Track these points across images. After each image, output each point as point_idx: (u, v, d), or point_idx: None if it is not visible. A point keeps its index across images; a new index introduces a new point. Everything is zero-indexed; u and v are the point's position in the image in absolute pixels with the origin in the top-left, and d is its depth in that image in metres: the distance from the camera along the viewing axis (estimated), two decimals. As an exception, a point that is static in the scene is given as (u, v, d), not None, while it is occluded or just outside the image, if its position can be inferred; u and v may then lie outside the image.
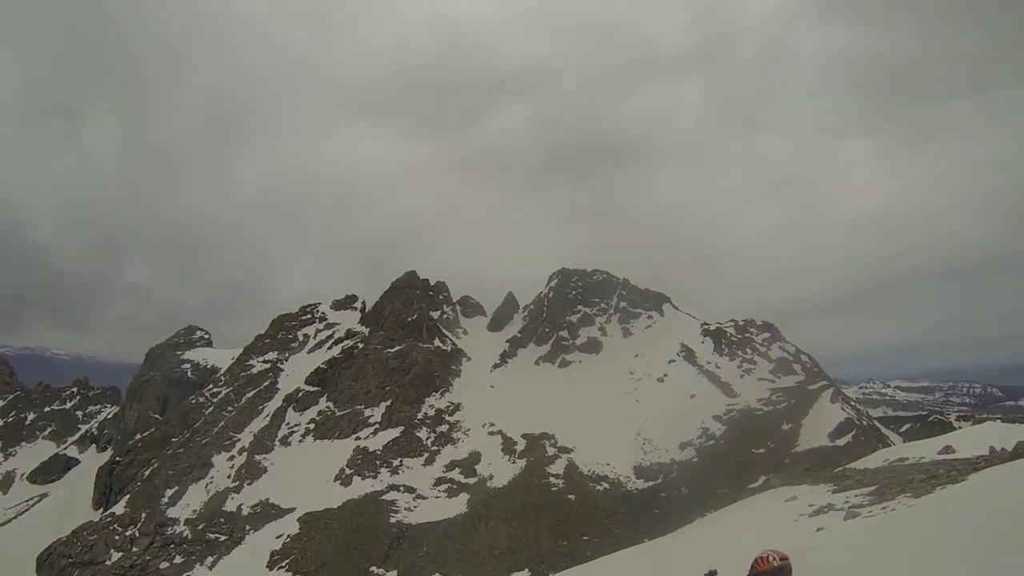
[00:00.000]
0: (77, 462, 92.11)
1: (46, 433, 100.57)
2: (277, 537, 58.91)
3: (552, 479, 66.40)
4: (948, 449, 23.98)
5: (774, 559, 6.04)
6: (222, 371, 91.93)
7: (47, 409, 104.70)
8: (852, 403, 73.62)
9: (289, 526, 60.07)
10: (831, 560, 10.94)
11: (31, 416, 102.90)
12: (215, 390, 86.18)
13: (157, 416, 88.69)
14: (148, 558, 59.72)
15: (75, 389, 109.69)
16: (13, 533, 76.72)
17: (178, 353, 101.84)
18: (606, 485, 65.59)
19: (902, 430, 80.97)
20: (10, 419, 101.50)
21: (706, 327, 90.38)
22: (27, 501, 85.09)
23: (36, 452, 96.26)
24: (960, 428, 63.35)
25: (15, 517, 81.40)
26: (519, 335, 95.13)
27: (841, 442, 58.69)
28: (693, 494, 59.05)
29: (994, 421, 44.58)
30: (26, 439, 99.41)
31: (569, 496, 63.68)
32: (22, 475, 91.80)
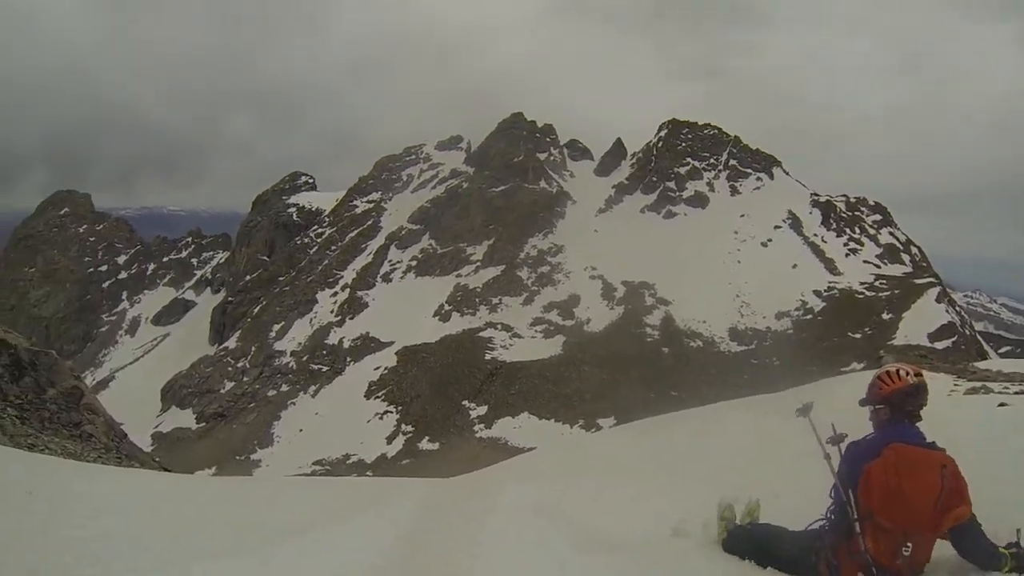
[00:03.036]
0: (194, 304, 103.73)
1: (165, 280, 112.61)
2: (375, 369, 65.98)
3: (648, 329, 69.13)
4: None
5: (907, 374, 4.71)
6: (326, 213, 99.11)
7: (165, 259, 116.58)
8: (958, 308, 69.83)
9: (387, 359, 66.87)
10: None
11: (151, 267, 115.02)
12: (319, 231, 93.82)
13: (265, 258, 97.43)
14: (257, 386, 68.42)
15: (189, 239, 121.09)
16: (141, 370, 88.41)
17: (283, 198, 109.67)
18: (700, 343, 67.47)
19: (1001, 351, 75.72)
20: (133, 271, 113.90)
21: (815, 198, 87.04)
22: (152, 341, 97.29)
23: (158, 298, 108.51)
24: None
25: (142, 356, 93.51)
26: (626, 182, 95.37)
27: (940, 345, 56.02)
28: (784, 366, 59.39)
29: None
30: (148, 287, 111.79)
31: (663, 349, 66.33)
32: (146, 319, 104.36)
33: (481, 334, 69.43)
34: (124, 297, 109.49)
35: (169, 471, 13.89)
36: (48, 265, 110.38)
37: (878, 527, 4.29)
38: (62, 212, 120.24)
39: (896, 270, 73.99)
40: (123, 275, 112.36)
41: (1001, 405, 10.38)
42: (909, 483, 4.23)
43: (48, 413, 12.24)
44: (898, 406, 4.61)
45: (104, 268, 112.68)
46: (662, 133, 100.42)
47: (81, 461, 10.08)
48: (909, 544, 4.21)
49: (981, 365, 24.12)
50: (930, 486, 4.19)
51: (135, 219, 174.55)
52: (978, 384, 14.00)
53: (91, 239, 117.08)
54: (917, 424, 4.61)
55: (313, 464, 53.46)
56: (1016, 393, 11.96)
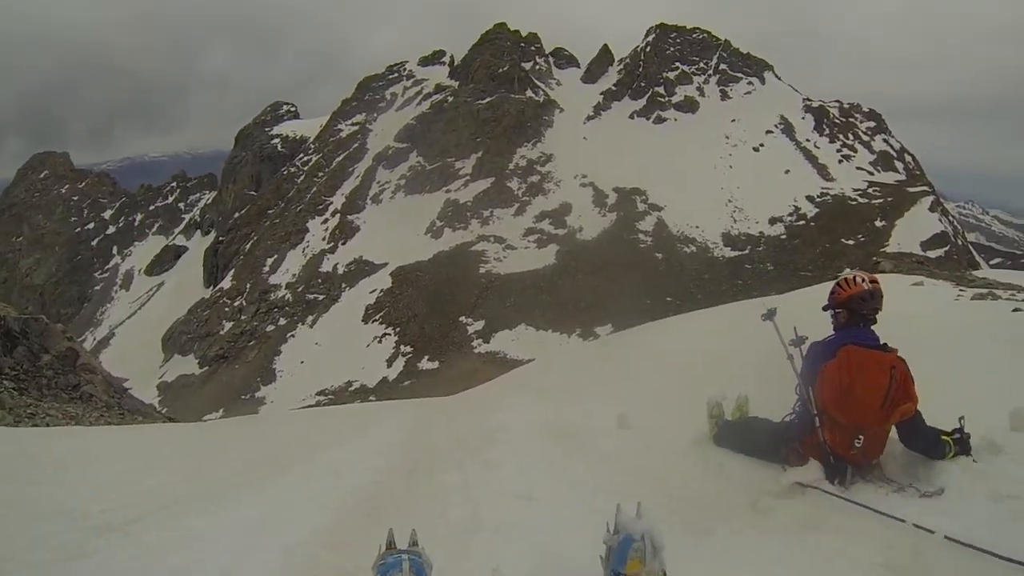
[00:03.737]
0: (186, 249, 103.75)
1: (154, 229, 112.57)
2: (371, 292, 65.94)
3: (641, 235, 69.02)
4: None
5: (863, 280, 5.06)
6: (311, 140, 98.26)
7: (151, 207, 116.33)
8: (951, 218, 69.51)
9: (382, 281, 66.78)
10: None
11: (139, 217, 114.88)
12: (305, 159, 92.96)
13: (252, 193, 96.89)
14: (256, 323, 68.46)
15: (174, 184, 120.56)
16: (139, 322, 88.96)
17: (266, 130, 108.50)
18: (693, 248, 67.73)
19: (992, 262, 75.87)
20: (121, 224, 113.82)
21: (808, 103, 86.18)
22: (147, 292, 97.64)
23: (149, 247, 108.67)
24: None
25: (139, 308, 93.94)
26: (614, 88, 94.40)
27: (932, 254, 56.10)
28: (778, 271, 60.54)
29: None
30: (138, 238, 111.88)
31: (656, 255, 66.31)
32: (139, 270, 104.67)
33: (474, 248, 69.03)
34: (115, 252, 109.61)
35: (173, 420, 14.11)
36: (34, 231, 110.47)
37: (834, 421, 4.72)
38: (42, 175, 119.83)
39: (889, 178, 74.32)
40: (111, 230, 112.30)
41: (1016, 311, 10.62)
42: (860, 381, 4.61)
43: (45, 379, 12.61)
44: (855, 310, 5.01)
45: (91, 226, 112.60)
46: (650, 38, 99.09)
47: (83, 424, 10.53)
48: (861, 436, 4.61)
49: (978, 274, 23.81)
50: (879, 384, 4.56)
51: (117, 171, 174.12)
52: (983, 291, 14.10)
53: (74, 198, 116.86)
54: (872, 326, 4.97)
55: (316, 395, 53.83)
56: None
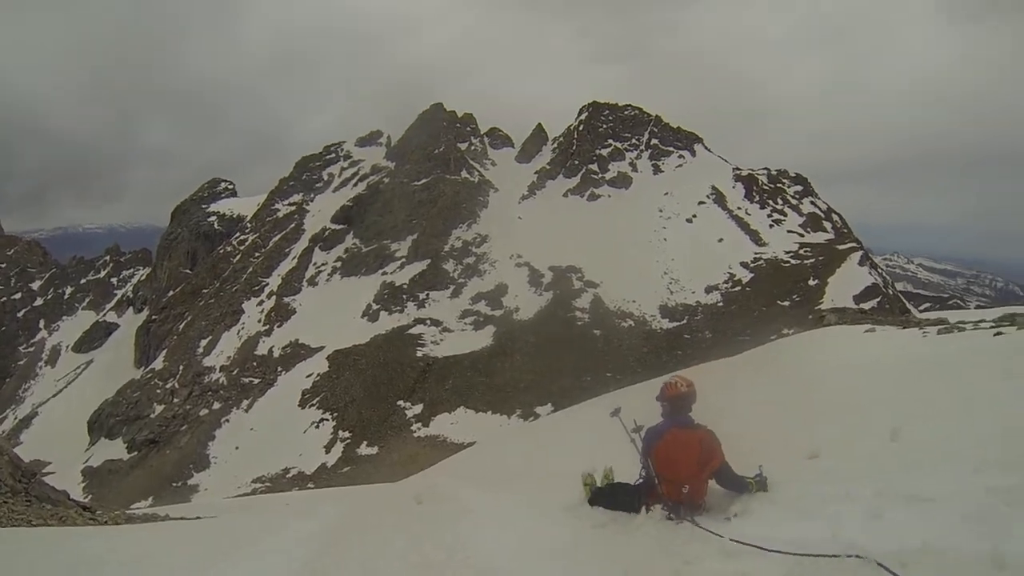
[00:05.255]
0: (117, 326, 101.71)
1: (84, 304, 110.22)
2: (307, 376, 65.79)
3: (578, 313, 70.46)
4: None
5: (682, 385, 6.99)
6: (248, 219, 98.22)
7: (83, 281, 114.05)
8: (879, 270, 73.62)
9: (319, 365, 66.78)
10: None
11: (68, 290, 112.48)
12: (242, 237, 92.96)
13: (187, 271, 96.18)
14: (188, 407, 67.59)
15: (107, 257, 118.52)
16: (64, 402, 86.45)
17: (203, 207, 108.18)
18: (631, 322, 69.24)
19: (921, 307, 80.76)
20: (49, 297, 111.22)
21: (738, 172, 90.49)
22: (75, 370, 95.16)
23: (78, 323, 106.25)
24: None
25: (65, 387, 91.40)
26: (548, 167, 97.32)
27: (866, 305, 58.91)
28: (716, 338, 61.80)
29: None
30: (67, 312, 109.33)
31: (595, 331, 67.65)
32: (67, 347, 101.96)
33: (411, 331, 69.76)
34: (41, 325, 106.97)
35: (89, 509, 13.64)
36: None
37: (665, 479, 6.68)
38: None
39: (819, 238, 77.25)
40: (39, 301, 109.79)
41: (997, 334, 12.44)
42: (680, 453, 6.64)
43: None
44: (676, 404, 6.95)
45: (18, 296, 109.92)
46: (583, 116, 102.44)
47: None
48: (687, 486, 6.51)
49: (920, 317, 25.65)
50: (693, 453, 6.59)
51: (49, 241, 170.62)
52: (943, 326, 15.71)
53: (2, 265, 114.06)
54: (688, 414, 6.94)
55: (253, 482, 52.94)
56: (990, 328, 13.99)
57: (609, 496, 7.44)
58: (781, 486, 6.62)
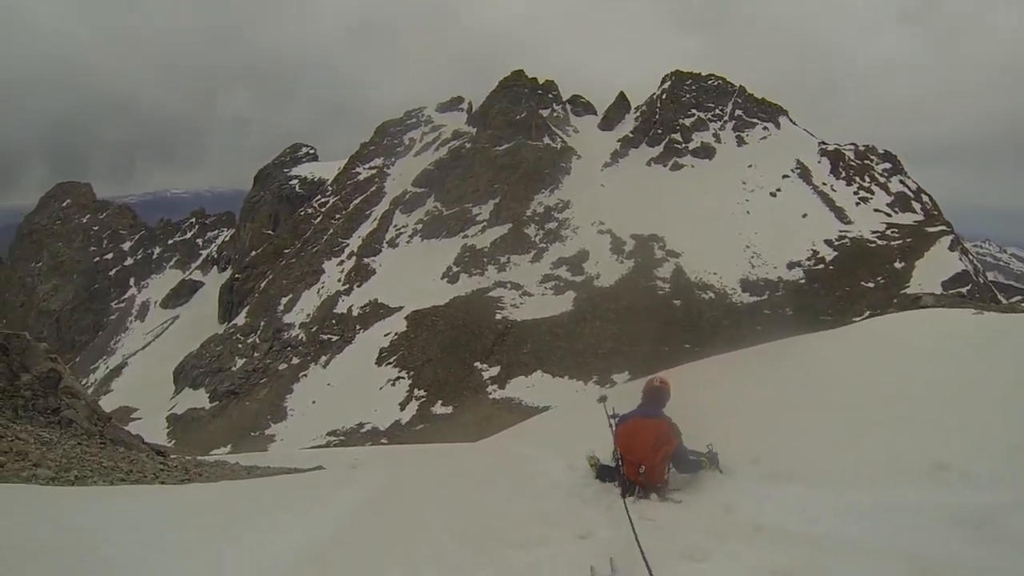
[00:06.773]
0: (202, 284, 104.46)
1: (172, 263, 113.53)
2: (385, 335, 65.84)
3: (659, 282, 69.14)
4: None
5: (657, 382, 7.96)
6: (329, 182, 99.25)
7: (170, 242, 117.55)
8: (970, 256, 69.20)
9: (397, 324, 66.75)
10: None
11: (157, 250, 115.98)
12: (323, 200, 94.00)
13: (270, 232, 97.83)
14: (268, 361, 68.76)
15: (193, 219, 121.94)
16: (152, 354, 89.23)
17: (285, 171, 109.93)
18: (712, 295, 67.53)
19: (1012, 300, 75.53)
20: (139, 257, 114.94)
21: (824, 147, 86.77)
22: (162, 324, 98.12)
23: (165, 281, 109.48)
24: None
25: (153, 340, 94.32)
26: (631, 135, 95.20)
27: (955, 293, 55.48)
28: (797, 316, 59.46)
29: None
30: (155, 271, 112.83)
31: (674, 301, 66.29)
32: (155, 303, 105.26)
33: (490, 294, 69.44)
34: (132, 283, 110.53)
35: (161, 453, 13.44)
36: (54, 258, 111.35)
37: (625, 459, 7.31)
38: (64, 204, 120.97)
39: (907, 219, 73.84)
40: (129, 261, 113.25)
41: None
42: (639, 436, 7.27)
43: (22, 400, 11.97)
44: (650, 397, 7.80)
45: (110, 256, 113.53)
46: (665, 85, 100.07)
47: (55, 450, 9.59)
48: (643, 467, 7.09)
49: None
50: (650, 437, 7.17)
51: (138, 205, 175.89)
52: None
53: (95, 228, 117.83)
54: (662, 408, 7.67)
55: (327, 435, 53.54)
56: None
57: (605, 473, 8.01)
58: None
